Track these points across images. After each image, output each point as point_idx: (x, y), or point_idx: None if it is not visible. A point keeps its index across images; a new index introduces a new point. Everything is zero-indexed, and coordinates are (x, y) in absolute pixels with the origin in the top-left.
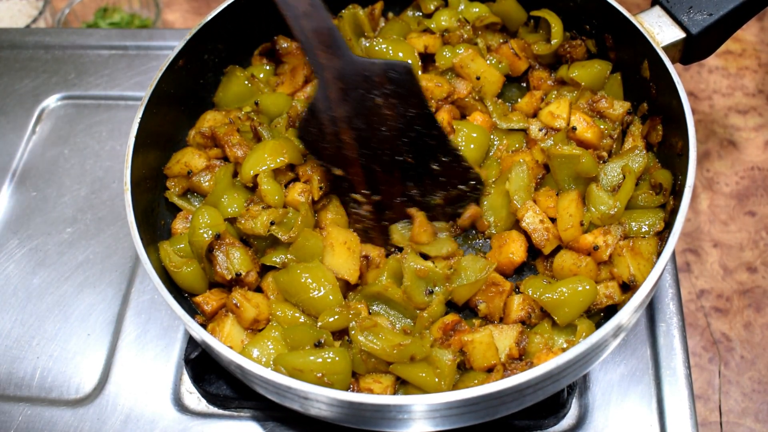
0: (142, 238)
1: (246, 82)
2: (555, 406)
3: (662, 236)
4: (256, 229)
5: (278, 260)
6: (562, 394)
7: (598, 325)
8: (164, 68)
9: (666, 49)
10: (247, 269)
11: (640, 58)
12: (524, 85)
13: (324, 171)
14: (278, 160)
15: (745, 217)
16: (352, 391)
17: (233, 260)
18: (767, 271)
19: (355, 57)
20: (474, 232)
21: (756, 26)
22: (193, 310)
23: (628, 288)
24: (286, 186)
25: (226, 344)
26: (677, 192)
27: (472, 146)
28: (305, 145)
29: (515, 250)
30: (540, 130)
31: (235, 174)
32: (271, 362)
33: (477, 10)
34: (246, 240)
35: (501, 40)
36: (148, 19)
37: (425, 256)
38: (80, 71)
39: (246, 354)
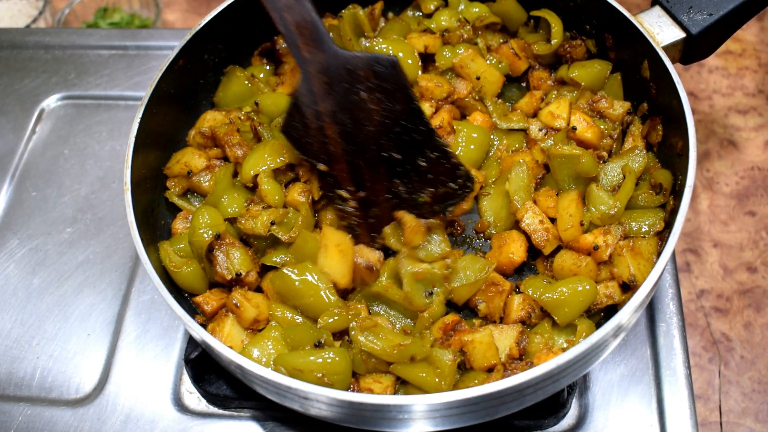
0: (142, 238)
1: (246, 82)
2: (555, 406)
3: (662, 236)
4: (256, 229)
5: (278, 260)
6: (562, 394)
7: (598, 325)
8: (164, 68)
9: (666, 49)
10: (247, 269)
11: (640, 58)
12: (524, 85)
13: (320, 182)
14: (278, 160)
15: (745, 217)
16: (353, 391)
17: (233, 260)
18: (767, 271)
19: (339, 50)
20: (475, 232)
21: (756, 26)
22: (193, 310)
23: (628, 288)
24: (286, 186)
25: (226, 344)
26: (677, 192)
27: (472, 146)
28: (289, 140)
29: (515, 250)
30: (540, 130)
31: (235, 174)
32: (272, 362)
33: (477, 10)
34: (246, 240)
35: (501, 40)
36: (148, 19)
37: None
38: (80, 71)
39: (246, 354)
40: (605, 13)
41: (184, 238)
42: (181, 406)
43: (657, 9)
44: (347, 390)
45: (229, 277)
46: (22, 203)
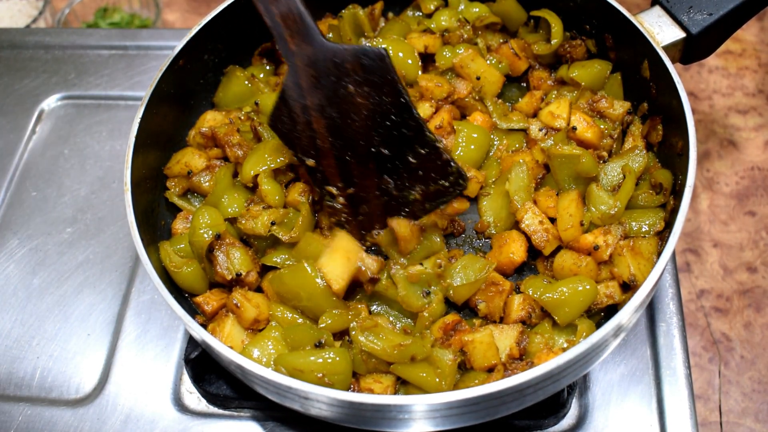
0: (142, 239)
1: (246, 82)
2: (555, 406)
3: (662, 236)
4: (256, 229)
5: (279, 260)
6: (562, 394)
7: (598, 325)
8: (164, 68)
9: (666, 48)
10: (248, 269)
11: (640, 58)
12: (524, 85)
13: (310, 180)
14: (278, 160)
15: (745, 217)
16: (353, 391)
17: (233, 260)
18: (767, 271)
19: (327, 43)
20: (475, 232)
21: (756, 26)
22: (193, 310)
23: (628, 288)
24: (286, 186)
25: (226, 344)
26: (677, 192)
27: (472, 146)
28: (278, 134)
29: (515, 250)
30: (540, 130)
31: (236, 174)
32: (272, 362)
33: (477, 10)
34: (246, 240)
35: (501, 40)
36: (148, 19)
37: None
38: (80, 71)
39: (246, 354)
40: (605, 13)
41: (184, 238)
42: (181, 406)
43: (657, 9)
44: (347, 390)
45: (229, 278)
46: (22, 203)
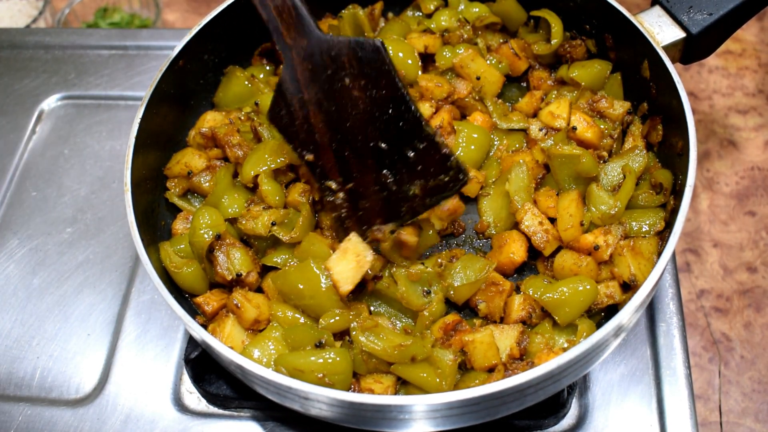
0: (142, 239)
1: (246, 83)
2: (555, 406)
3: (663, 236)
4: (257, 229)
5: (279, 260)
6: (562, 394)
7: (598, 325)
8: (164, 68)
9: (666, 48)
10: (248, 270)
11: (640, 57)
12: (524, 85)
13: (310, 175)
14: (279, 161)
15: (745, 217)
16: (353, 391)
17: (234, 261)
18: (767, 271)
19: (322, 35)
20: (475, 233)
21: (756, 26)
22: (193, 310)
23: (628, 288)
24: (286, 186)
25: (226, 345)
26: (677, 192)
27: (472, 147)
28: (277, 128)
29: (516, 250)
30: (540, 130)
31: (236, 174)
32: (272, 363)
33: (477, 10)
34: (246, 240)
35: (501, 40)
36: (148, 19)
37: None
38: (80, 71)
39: (247, 354)
40: (605, 13)
41: (184, 238)
42: (181, 406)
43: (657, 9)
44: (348, 390)
45: (229, 278)
46: (22, 203)
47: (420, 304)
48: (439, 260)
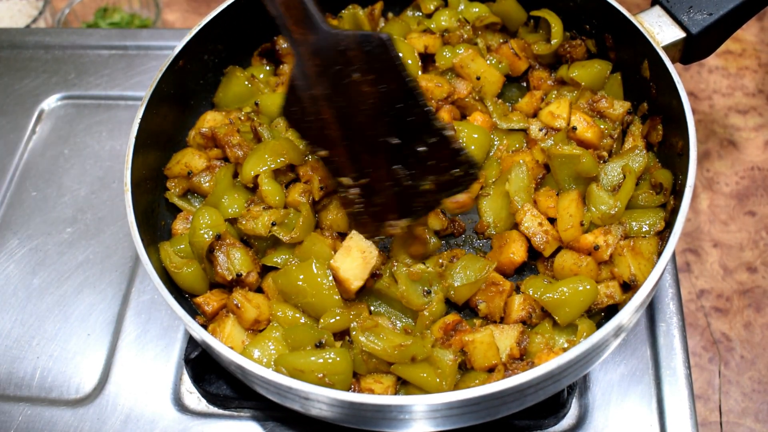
0: (142, 239)
1: (246, 83)
2: (555, 406)
3: (663, 236)
4: (257, 229)
5: (279, 261)
6: (562, 394)
7: (598, 325)
8: (164, 68)
9: (666, 48)
10: (248, 270)
11: (640, 57)
12: (524, 85)
13: (325, 171)
14: (278, 161)
15: (745, 217)
16: (353, 391)
17: (234, 261)
18: (767, 271)
19: (330, 30)
20: (475, 233)
21: (756, 26)
22: (193, 310)
23: (628, 288)
24: (286, 186)
25: (227, 345)
26: (677, 192)
27: (472, 147)
28: (290, 123)
29: (516, 250)
30: (540, 130)
31: (236, 174)
32: (272, 363)
33: (477, 10)
34: (246, 240)
35: (501, 40)
36: (148, 19)
37: None
38: (80, 71)
39: (247, 354)
40: (605, 13)
41: (184, 238)
42: (181, 406)
43: (657, 9)
44: (348, 390)
45: (229, 278)
46: (22, 203)
47: (420, 304)
48: (440, 260)
